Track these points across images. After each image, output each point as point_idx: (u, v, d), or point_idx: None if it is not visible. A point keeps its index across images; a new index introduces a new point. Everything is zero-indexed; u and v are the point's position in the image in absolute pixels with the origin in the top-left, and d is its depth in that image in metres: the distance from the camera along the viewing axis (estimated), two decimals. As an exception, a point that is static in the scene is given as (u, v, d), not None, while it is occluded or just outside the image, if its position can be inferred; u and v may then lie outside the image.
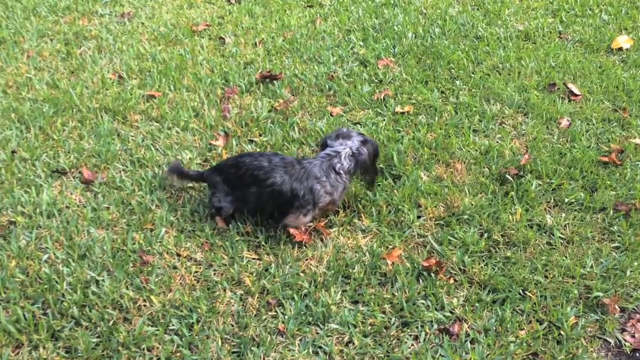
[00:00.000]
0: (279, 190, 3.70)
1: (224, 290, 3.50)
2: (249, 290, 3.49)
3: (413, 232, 3.86)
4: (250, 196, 3.80)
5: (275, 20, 6.61)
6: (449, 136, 4.67)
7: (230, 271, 3.59)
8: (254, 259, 3.69)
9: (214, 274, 3.61)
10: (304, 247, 3.73)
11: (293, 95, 5.27)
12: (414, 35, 6.18)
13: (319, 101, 5.15)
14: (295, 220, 3.78)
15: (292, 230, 3.76)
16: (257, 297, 3.46)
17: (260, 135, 4.74)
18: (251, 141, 4.68)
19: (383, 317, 3.34)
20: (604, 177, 4.26)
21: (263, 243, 3.77)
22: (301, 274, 3.57)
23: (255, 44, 6.12)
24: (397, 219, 3.96)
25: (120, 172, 4.39)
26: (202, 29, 6.41)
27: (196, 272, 3.62)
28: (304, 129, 4.80)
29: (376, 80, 5.45)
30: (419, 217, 3.97)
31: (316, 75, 5.50)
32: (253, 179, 3.74)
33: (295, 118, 4.92)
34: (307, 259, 3.67)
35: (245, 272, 3.60)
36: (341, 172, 3.73)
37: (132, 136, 4.74)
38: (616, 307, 3.37)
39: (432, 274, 3.53)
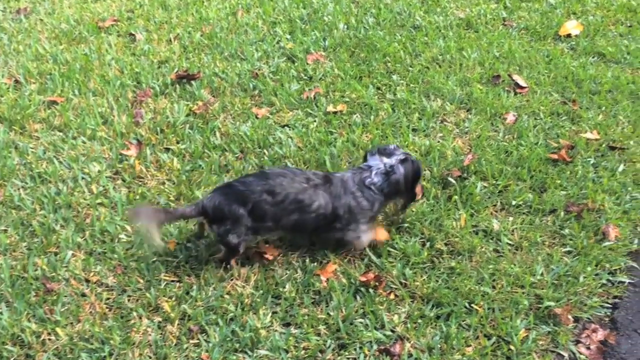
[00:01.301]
0: (323, 213, 3.62)
1: (140, 317, 3.47)
2: (168, 316, 3.47)
3: (349, 244, 3.90)
4: (286, 224, 3.64)
5: (192, 13, 6.59)
6: (386, 137, 4.74)
7: (146, 296, 3.57)
8: (173, 281, 3.67)
9: (129, 300, 3.57)
10: (229, 266, 3.73)
11: (213, 96, 5.26)
12: (345, 26, 6.25)
13: (242, 102, 5.16)
14: (352, 245, 3.79)
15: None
16: (177, 324, 3.44)
17: (177, 143, 4.73)
18: (167, 149, 4.66)
19: (318, 340, 3.36)
20: (554, 176, 4.38)
21: (183, 263, 3.75)
22: (226, 296, 3.57)
23: (170, 40, 6.09)
24: (332, 230, 3.99)
25: (18, 189, 4.30)
26: (110, 24, 6.35)
27: (108, 299, 3.58)
28: (226, 134, 4.80)
29: (305, 77, 5.49)
30: (355, 227, 4.01)
31: (239, 74, 5.51)
32: (297, 205, 3.59)
33: (216, 122, 4.91)
34: (232, 279, 3.67)
35: (164, 296, 3.57)
36: (371, 187, 3.68)
37: (32, 148, 4.66)
38: (569, 317, 3.47)
39: (371, 290, 3.58)
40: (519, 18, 6.48)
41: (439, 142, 4.72)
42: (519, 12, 6.58)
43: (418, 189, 3.92)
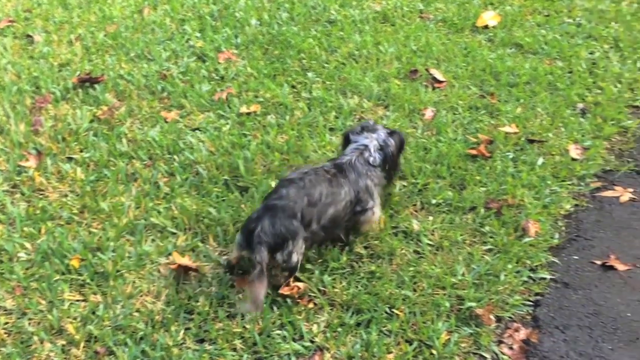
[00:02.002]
0: (349, 200, 3.77)
1: (42, 342, 3.37)
2: (73, 339, 3.37)
3: (265, 252, 3.87)
4: (326, 221, 3.69)
5: (95, 12, 6.47)
6: (302, 137, 4.73)
7: (48, 318, 3.46)
8: (77, 300, 3.58)
9: (29, 324, 3.46)
10: (139, 282, 3.66)
11: (119, 100, 5.17)
12: (258, 23, 6.22)
13: (150, 106, 5.09)
14: (369, 224, 3.92)
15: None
16: (83, 347, 3.35)
17: (81, 151, 4.63)
18: (70, 159, 4.55)
19: (233, 355, 3.32)
20: (473, 172, 4.45)
21: (88, 281, 3.66)
22: (135, 314, 3.50)
23: (71, 41, 5.96)
24: (247, 238, 3.96)
25: None
26: (4, 26, 6.17)
27: (6, 323, 3.47)
28: (133, 140, 4.72)
29: (217, 77, 5.45)
30: (271, 234, 3.99)
31: (146, 75, 5.42)
32: (331, 199, 3.69)
33: (122, 128, 4.82)
34: (141, 295, 3.60)
35: (67, 317, 3.48)
36: (375, 165, 3.91)
37: None
38: (491, 317, 3.52)
39: (288, 299, 3.56)
40: (436, 10, 6.56)
41: (356, 141, 4.72)
42: (435, 4, 6.67)
43: None
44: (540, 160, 4.55)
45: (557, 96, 5.22)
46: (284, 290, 3.60)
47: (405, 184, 4.35)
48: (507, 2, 6.73)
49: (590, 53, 5.84)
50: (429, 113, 5.01)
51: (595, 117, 4.99)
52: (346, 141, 4.07)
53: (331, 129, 4.86)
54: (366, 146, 3.93)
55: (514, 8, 6.59)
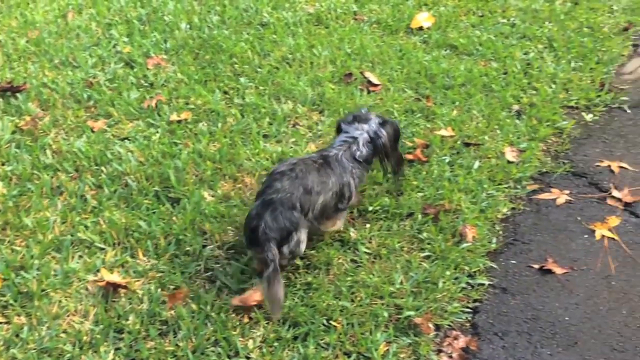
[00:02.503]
0: (335, 191, 3.79)
1: (-38, 369, 3.29)
2: (-4, 364, 3.30)
3: (199, 265, 3.84)
4: (317, 211, 3.71)
5: (16, 17, 6.34)
6: (235, 145, 4.70)
7: (-31, 343, 3.38)
8: (0, 323, 3.49)
9: (-51, 350, 3.37)
10: (65, 301, 3.59)
11: (43, 110, 5.08)
12: (188, 26, 6.18)
13: (76, 115, 5.00)
14: (334, 225, 3.97)
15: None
16: (7, 372, 3.28)
17: (2, 165, 4.53)
18: (-9, 173, 4.45)
19: (166, 375, 3.29)
20: (410, 177, 4.48)
21: (12, 302, 3.58)
22: (62, 335, 3.43)
23: (-9, 48, 5.83)
24: (180, 251, 3.92)
25: None
26: None
27: None
28: (58, 152, 4.63)
29: (146, 84, 5.39)
30: (204, 246, 3.95)
31: (71, 83, 5.34)
32: (321, 187, 3.70)
33: (47, 139, 4.74)
34: (68, 315, 3.53)
35: (-10, 341, 3.40)
36: (361, 160, 3.92)
37: None
38: (430, 325, 3.55)
39: (223, 314, 3.53)
40: (370, 11, 6.60)
41: (291, 147, 4.72)
42: (370, 5, 6.71)
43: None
44: (477, 164, 4.60)
45: (493, 98, 5.29)
46: (236, 301, 3.58)
47: (341, 191, 4.36)
48: (441, 2, 6.81)
49: (525, 53, 5.94)
50: (364, 117, 5.03)
51: (531, 119, 5.07)
52: (338, 130, 4.10)
53: (265, 136, 4.85)
54: (355, 139, 3.95)
55: (448, 9, 6.67)
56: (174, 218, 4.10)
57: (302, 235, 3.63)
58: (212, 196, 4.30)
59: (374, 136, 3.97)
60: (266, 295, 3.43)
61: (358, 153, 3.92)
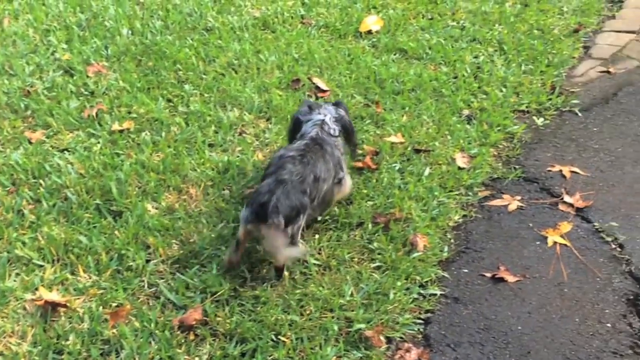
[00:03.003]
0: (334, 175, 4.09)
1: None
2: None
3: (142, 281, 3.79)
4: (321, 196, 3.99)
5: (-51, 23, 6.20)
6: (180, 155, 4.67)
7: None
8: None
9: None
10: (2, 321, 3.51)
11: (-23, 120, 4.98)
12: (130, 32, 6.11)
13: (12, 126, 4.93)
14: (342, 193, 4.26)
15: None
16: (-59, 399, 3.20)
17: None
18: None
19: (109, 397, 3.24)
20: (360, 186, 4.49)
21: (-56, 324, 3.50)
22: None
23: None
24: (122, 267, 3.87)
25: None
26: None
27: None
28: (-6, 164, 4.55)
29: (86, 93, 5.32)
30: (148, 261, 3.91)
31: (7, 92, 5.26)
32: (327, 175, 3.98)
33: (-19, 151, 4.65)
34: (5, 337, 3.46)
35: None
36: (336, 135, 4.20)
37: None
38: (381, 338, 3.55)
39: (167, 332, 3.49)
40: (318, 15, 6.60)
41: (238, 157, 4.70)
42: (317, 9, 6.70)
43: None
44: (427, 171, 4.63)
45: (443, 103, 5.33)
46: (176, 321, 3.55)
47: (289, 201, 4.34)
48: (390, 5, 6.83)
49: (475, 57, 6.00)
50: (312, 124, 5.02)
51: (481, 124, 5.12)
52: (296, 125, 4.26)
53: (210, 145, 4.82)
54: (323, 120, 4.19)
55: (397, 12, 6.69)
56: (116, 232, 4.05)
57: (303, 222, 3.81)
58: (156, 209, 4.26)
59: (337, 116, 4.25)
60: (268, 248, 3.75)
61: (332, 130, 4.17)
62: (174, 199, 4.33)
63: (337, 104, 4.37)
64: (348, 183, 4.26)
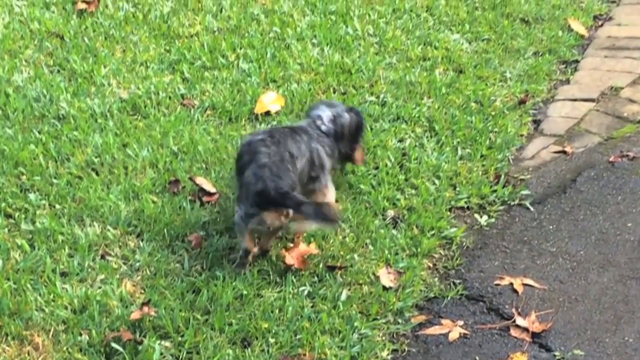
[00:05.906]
0: (307, 157, 4.79)
1: None
2: None
3: None
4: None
5: None
6: (22, 290, 4.50)
7: None
8: None
9: None
10: None
11: None
12: (-43, 126, 5.96)
13: None
14: (324, 196, 4.93)
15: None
16: None
17: None
18: None
19: None
20: (259, 319, 4.39)
21: None
22: None
23: None
24: None
25: None
26: None
27: None
28: None
29: None
30: None
31: None
32: (299, 153, 4.76)
33: None
34: None
35: None
36: (326, 133, 5.00)
37: None
38: None
39: None
40: (203, 94, 6.54)
41: (99, 288, 4.56)
42: (202, 85, 6.64)
43: (359, 155, 5.36)
44: (345, 294, 4.57)
45: (361, 203, 5.31)
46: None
47: (167, 345, 4.22)
48: (293, 77, 6.81)
49: (400, 140, 6.01)
50: (196, 239, 4.92)
51: (411, 228, 5.11)
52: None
53: (63, 274, 4.67)
54: (319, 116, 5.07)
55: (302, 85, 6.67)
56: None
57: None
58: (-11, 367, 4.07)
59: (336, 115, 5.09)
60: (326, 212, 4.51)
61: (323, 127, 4.99)
62: (14, 352, 4.17)
63: (350, 109, 5.24)
64: (330, 191, 4.96)
